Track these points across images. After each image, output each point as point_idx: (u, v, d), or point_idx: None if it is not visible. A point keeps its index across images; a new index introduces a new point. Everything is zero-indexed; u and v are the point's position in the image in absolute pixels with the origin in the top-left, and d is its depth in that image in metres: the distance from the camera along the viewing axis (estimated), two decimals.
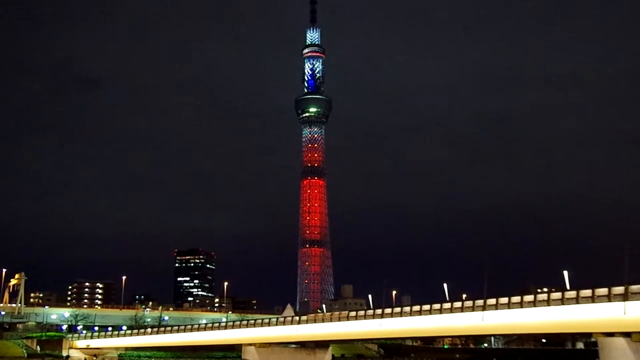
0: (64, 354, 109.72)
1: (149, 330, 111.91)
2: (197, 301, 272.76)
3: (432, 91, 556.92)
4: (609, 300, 55.35)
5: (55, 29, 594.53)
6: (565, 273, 65.51)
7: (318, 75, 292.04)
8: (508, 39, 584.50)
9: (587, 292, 57.52)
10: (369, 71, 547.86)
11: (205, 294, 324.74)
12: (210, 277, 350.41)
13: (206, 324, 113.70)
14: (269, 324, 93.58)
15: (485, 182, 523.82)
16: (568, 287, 63.35)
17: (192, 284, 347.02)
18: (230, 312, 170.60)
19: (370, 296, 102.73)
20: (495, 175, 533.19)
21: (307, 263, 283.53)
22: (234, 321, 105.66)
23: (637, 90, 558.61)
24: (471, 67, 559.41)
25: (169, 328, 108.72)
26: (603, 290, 56.20)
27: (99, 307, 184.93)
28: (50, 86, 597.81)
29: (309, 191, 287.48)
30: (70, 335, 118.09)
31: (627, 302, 53.83)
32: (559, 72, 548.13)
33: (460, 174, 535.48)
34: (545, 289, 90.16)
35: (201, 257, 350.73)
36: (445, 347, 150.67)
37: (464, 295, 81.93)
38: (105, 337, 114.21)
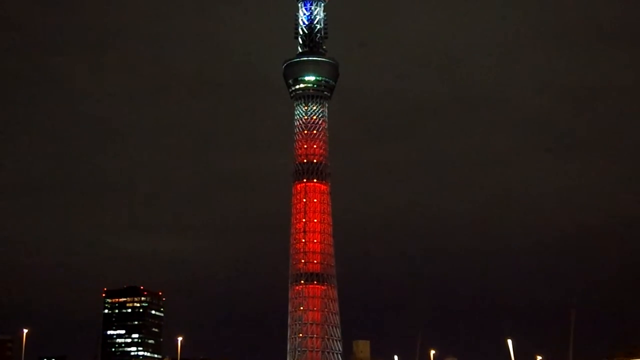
0: None
1: None
2: None
3: (486, 54, 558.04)
4: None
5: None
6: None
7: (318, 27, 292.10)
8: None
9: None
10: (395, 24, 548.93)
11: (148, 354, 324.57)
12: (156, 330, 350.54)
13: None
14: None
15: (567, 186, 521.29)
16: None
17: (128, 340, 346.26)
18: None
19: (396, 358, 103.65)
20: (582, 177, 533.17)
21: (301, 308, 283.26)
22: None
23: None
24: (542, 20, 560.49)
25: None
26: None
27: None
28: None
29: (304, 200, 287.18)
30: None
31: None
32: None
33: (529, 176, 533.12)
34: None
35: (143, 299, 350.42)
36: None
37: (539, 358, 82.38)
38: None
